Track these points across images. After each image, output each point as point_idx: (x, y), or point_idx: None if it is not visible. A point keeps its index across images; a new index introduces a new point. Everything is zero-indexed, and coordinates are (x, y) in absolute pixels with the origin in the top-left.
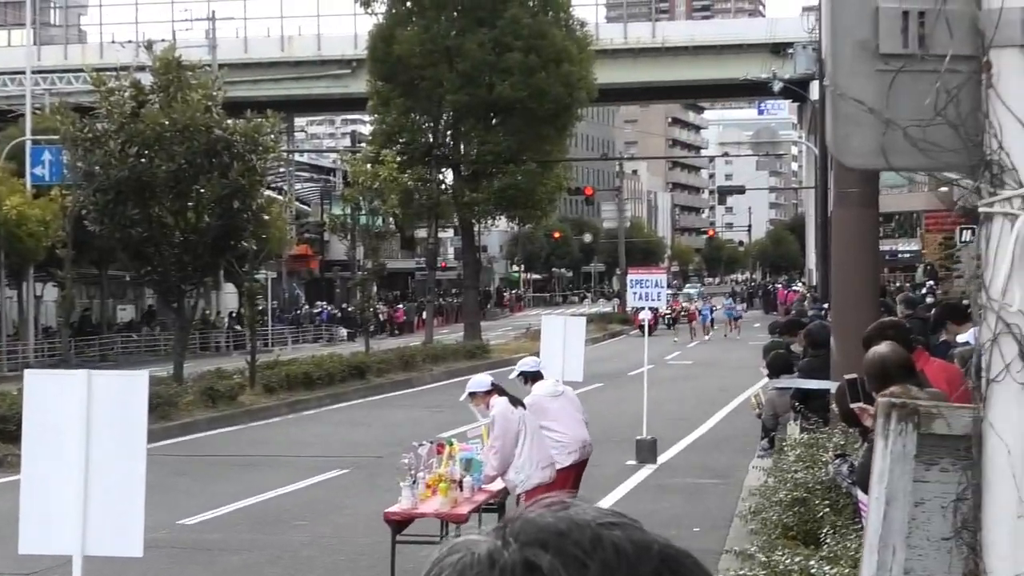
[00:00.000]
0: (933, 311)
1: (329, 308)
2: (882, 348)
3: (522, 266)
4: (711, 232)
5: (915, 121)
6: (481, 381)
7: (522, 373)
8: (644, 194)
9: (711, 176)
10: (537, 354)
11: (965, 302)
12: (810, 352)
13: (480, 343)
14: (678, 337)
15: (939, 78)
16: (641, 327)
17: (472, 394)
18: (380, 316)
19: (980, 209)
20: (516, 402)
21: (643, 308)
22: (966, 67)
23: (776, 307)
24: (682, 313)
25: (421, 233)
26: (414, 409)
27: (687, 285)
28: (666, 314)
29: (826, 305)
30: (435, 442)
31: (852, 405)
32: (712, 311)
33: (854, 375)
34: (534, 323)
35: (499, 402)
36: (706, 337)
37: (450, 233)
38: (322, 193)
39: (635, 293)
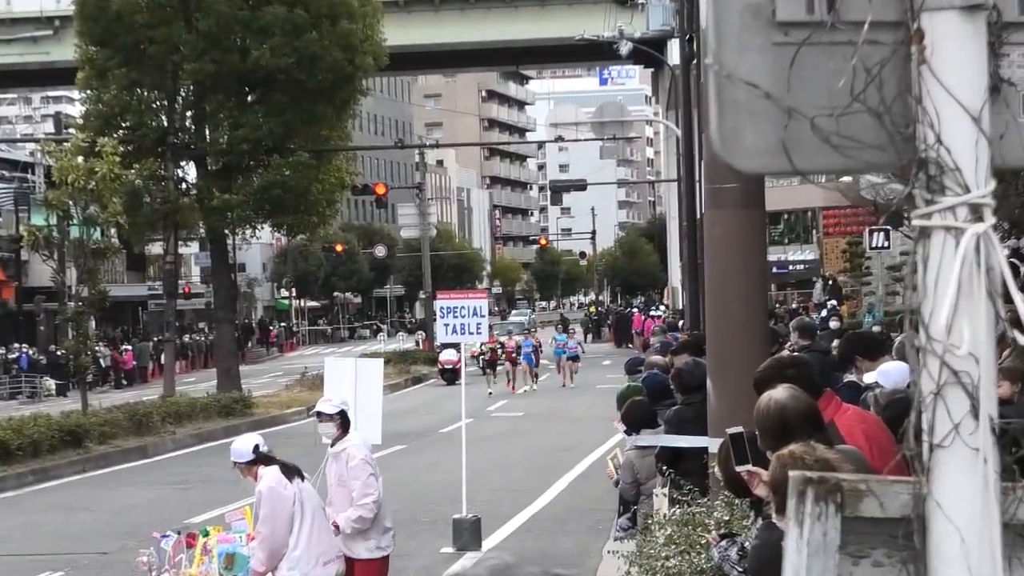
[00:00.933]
0: (838, 342)
1: (30, 352)
2: (779, 393)
3: (293, 291)
4: (543, 242)
5: (825, 109)
6: (242, 447)
7: (320, 413)
8: (454, 192)
9: (541, 168)
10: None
11: (877, 328)
12: (680, 399)
13: (239, 395)
14: (494, 387)
15: (855, 52)
16: (444, 372)
17: (236, 464)
18: (101, 362)
19: (915, 222)
20: (292, 473)
21: (453, 346)
22: (890, 37)
23: (631, 339)
24: (500, 352)
25: (156, 249)
26: (153, 486)
27: (514, 312)
28: (480, 354)
29: (679, 333)
30: (184, 531)
31: (739, 468)
32: (538, 349)
33: (740, 429)
34: (312, 366)
35: (267, 474)
36: (532, 387)
37: (194, 248)
38: (17, 197)
39: (446, 325)
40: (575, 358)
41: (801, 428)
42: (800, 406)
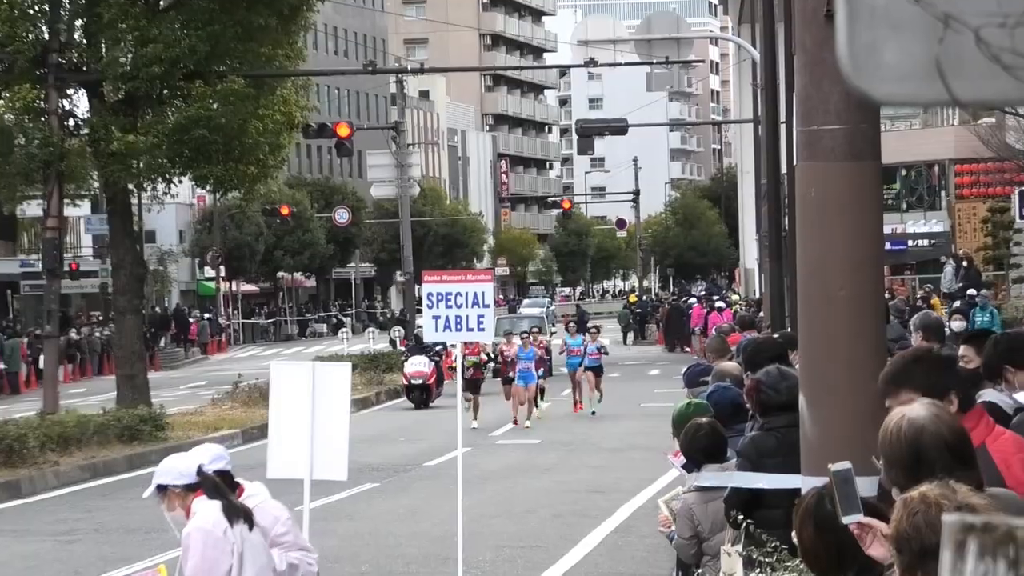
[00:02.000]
0: (965, 348)
1: None
2: (916, 410)
3: (222, 269)
4: (567, 204)
5: (996, 17)
6: (178, 465)
7: (163, 487)
8: (444, 136)
9: (564, 104)
10: (259, 430)
11: None
12: (759, 422)
13: (148, 412)
14: (478, 421)
15: None
16: (410, 390)
17: (162, 489)
18: None
19: None
20: (236, 515)
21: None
22: None
23: (688, 339)
24: (489, 365)
25: (32, 210)
26: (28, 538)
27: (526, 302)
28: (488, 360)
29: (754, 332)
30: None
31: (846, 520)
32: (545, 361)
33: (846, 465)
34: (249, 373)
35: (204, 511)
36: (536, 415)
37: (85, 209)
38: None
39: (436, 318)
40: (597, 369)
41: (941, 460)
42: (943, 430)
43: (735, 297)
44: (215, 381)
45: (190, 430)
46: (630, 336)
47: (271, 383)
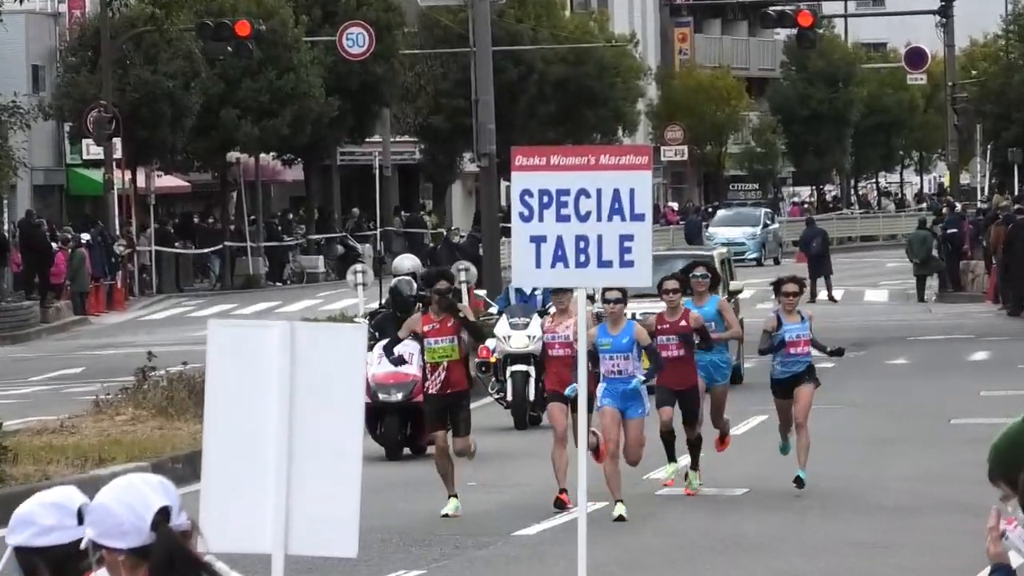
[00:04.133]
0: None
1: None
2: None
3: (117, 144)
4: (806, 18)
5: None
6: (114, 508)
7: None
8: None
9: None
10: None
11: None
12: None
13: None
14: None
15: None
16: (374, 419)
17: (95, 547)
18: None
19: None
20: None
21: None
22: None
23: None
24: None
25: None
26: None
27: (720, 215)
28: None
29: None
30: None
31: None
32: (647, 349)
33: None
34: (171, 353)
35: None
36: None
37: None
38: None
39: (537, 241)
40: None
41: None
42: None
43: None
44: (101, 366)
45: (50, 462)
46: (932, 285)
47: (208, 367)
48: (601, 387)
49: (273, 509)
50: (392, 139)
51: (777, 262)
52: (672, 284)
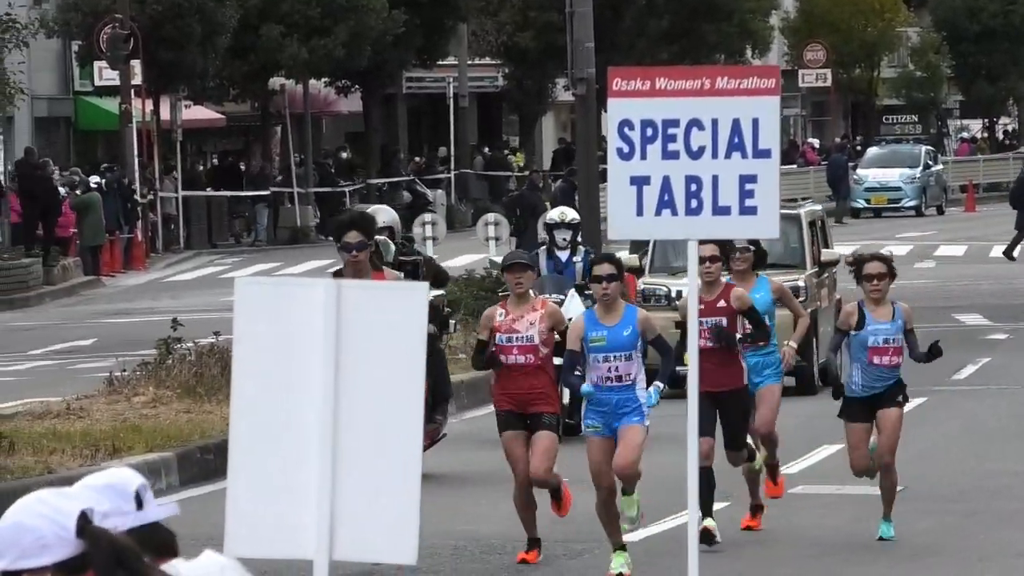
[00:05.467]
0: None
1: None
2: None
3: (136, 67)
4: None
5: None
6: (34, 521)
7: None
8: None
9: None
10: (216, 453)
11: None
12: None
13: None
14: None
15: None
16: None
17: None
18: None
19: None
20: None
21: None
22: None
23: None
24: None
25: None
26: None
27: (871, 152)
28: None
29: None
30: None
31: None
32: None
33: None
34: (199, 322)
35: None
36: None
37: None
38: None
39: (639, 183)
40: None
41: None
42: None
43: None
44: (117, 337)
45: (53, 452)
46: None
47: (235, 335)
48: (585, 405)
49: (315, 506)
50: (469, 62)
51: (940, 211)
52: (710, 250)
